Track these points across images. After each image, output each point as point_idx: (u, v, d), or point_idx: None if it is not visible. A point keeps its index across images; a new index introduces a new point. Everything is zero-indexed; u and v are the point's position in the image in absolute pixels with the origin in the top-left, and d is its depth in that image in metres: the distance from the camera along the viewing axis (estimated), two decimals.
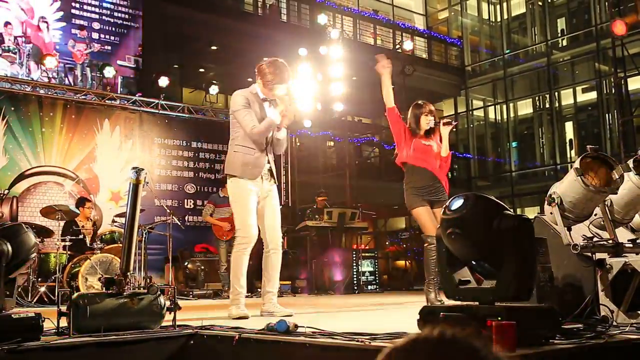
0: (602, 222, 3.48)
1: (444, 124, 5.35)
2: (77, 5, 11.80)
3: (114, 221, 8.13)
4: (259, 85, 4.54)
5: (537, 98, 19.20)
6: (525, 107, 19.71)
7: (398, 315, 4.54)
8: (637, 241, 3.51)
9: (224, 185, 9.39)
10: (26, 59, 10.89)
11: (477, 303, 2.60)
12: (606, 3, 14.27)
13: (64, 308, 3.14)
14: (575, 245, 3.20)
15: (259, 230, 4.50)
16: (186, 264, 9.46)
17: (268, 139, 4.50)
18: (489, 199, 2.67)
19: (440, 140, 5.40)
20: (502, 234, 2.50)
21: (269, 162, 4.52)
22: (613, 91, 15.92)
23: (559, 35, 18.84)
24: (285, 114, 4.45)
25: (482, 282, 2.73)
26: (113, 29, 12.19)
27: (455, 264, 2.74)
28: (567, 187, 3.29)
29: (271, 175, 4.54)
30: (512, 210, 2.81)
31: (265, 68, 4.51)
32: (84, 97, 10.16)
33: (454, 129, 5.28)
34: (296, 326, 2.95)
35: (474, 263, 2.69)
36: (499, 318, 2.27)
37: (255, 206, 4.44)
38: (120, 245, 7.45)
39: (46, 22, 11.20)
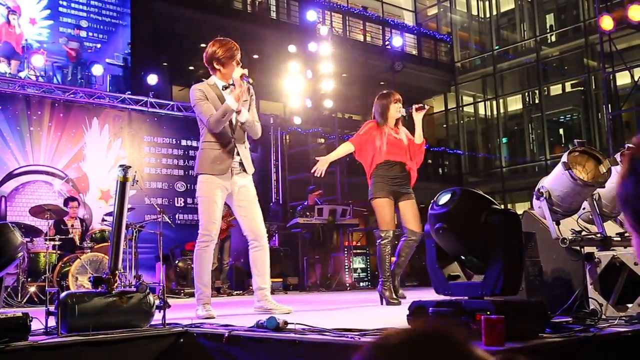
0: (590, 216, 3.50)
1: (417, 109, 5.25)
2: (65, 3, 11.72)
3: (103, 220, 8.10)
4: (216, 74, 4.38)
5: (526, 94, 19.27)
6: (515, 103, 19.77)
7: (389, 312, 4.54)
8: (625, 235, 3.52)
9: None
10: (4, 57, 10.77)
11: (466, 298, 2.61)
12: None
13: (52, 307, 3.12)
14: (564, 239, 3.21)
15: (240, 227, 4.44)
16: (177, 262, 9.43)
17: (233, 128, 4.34)
18: (475, 193, 2.67)
19: (411, 129, 5.33)
20: (489, 229, 2.50)
21: (238, 154, 4.36)
22: (600, 86, 16.01)
23: (548, 31, 18.91)
24: (239, 95, 4.20)
25: (471, 277, 2.74)
26: (101, 27, 12.12)
27: (444, 259, 2.74)
28: (555, 181, 3.30)
29: (243, 168, 4.38)
30: (501, 205, 2.82)
31: (210, 50, 4.34)
32: (72, 95, 10.10)
33: (431, 117, 5.22)
34: (286, 323, 2.94)
35: (463, 258, 2.70)
36: (488, 312, 2.27)
37: (221, 203, 4.31)
38: (110, 244, 7.44)
39: (16, 15, 10.98)
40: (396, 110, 5.25)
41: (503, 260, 2.48)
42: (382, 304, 5.09)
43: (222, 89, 4.35)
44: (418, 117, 5.27)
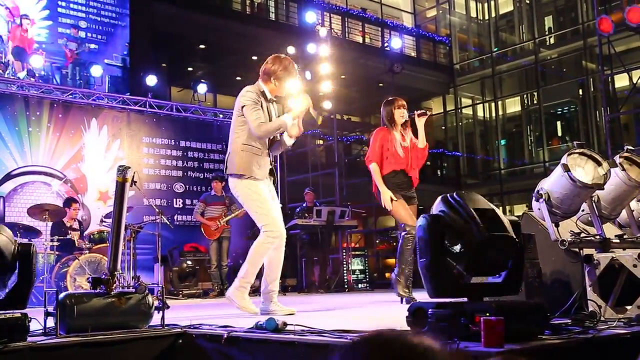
0: (589, 218, 3.50)
1: (419, 115, 5.47)
2: (64, 4, 11.72)
3: (102, 221, 8.09)
4: (268, 85, 4.50)
5: (525, 96, 19.28)
6: (513, 105, 19.78)
7: (387, 313, 4.54)
8: (624, 237, 3.53)
9: (215, 183, 9.40)
10: (11, 57, 10.83)
11: (465, 299, 2.61)
12: (592, 1, 14.35)
13: (51, 308, 3.12)
14: (563, 241, 3.22)
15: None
16: (175, 263, 9.42)
17: (273, 139, 4.50)
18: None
19: (415, 133, 5.51)
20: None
21: (271, 164, 4.52)
22: (599, 88, 16.03)
23: (547, 33, 18.93)
24: (298, 119, 4.41)
25: (470, 278, 2.74)
26: (100, 27, 12.13)
27: (441, 261, 2.73)
28: (555, 183, 3.30)
29: (271, 174, 4.52)
30: (499, 207, 2.82)
31: (270, 67, 4.50)
32: (71, 96, 10.09)
33: (430, 119, 5.42)
34: (285, 324, 2.94)
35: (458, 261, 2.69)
36: (487, 314, 2.27)
37: (269, 199, 4.39)
38: (109, 245, 7.43)
39: (28, 19, 11.09)
40: (400, 115, 5.46)
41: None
42: (397, 296, 5.29)
43: (269, 101, 4.49)
44: (420, 123, 5.48)
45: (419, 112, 5.49)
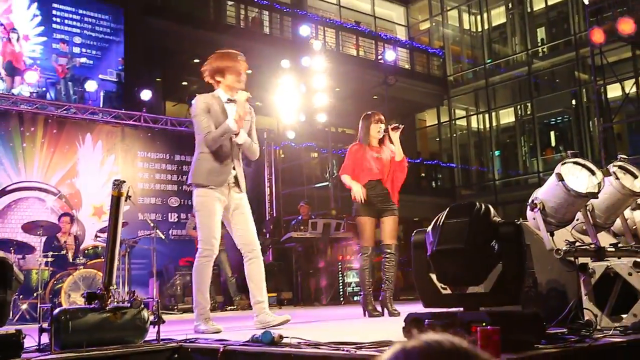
0: (584, 227, 3.50)
1: (392, 129, 5.53)
2: (58, 20, 11.76)
3: (97, 236, 8.06)
4: (223, 87, 4.40)
5: (518, 107, 19.37)
6: (507, 116, 19.87)
7: (383, 325, 4.53)
8: (619, 245, 3.53)
9: None
10: (4, 73, 10.83)
11: (461, 309, 2.60)
12: (584, 12, 14.47)
13: (45, 324, 3.10)
14: (558, 250, 3.22)
15: (234, 241, 4.44)
16: (171, 277, 9.39)
17: (231, 143, 4.34)
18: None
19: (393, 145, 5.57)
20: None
21: (234, 169, 4.36)
22: (592, 99, 16.13)
23: (539, 44, 19.05)
24: (241, 118, 4.26)
25: (466, 288, 2.74)
26: (95, 42, 12.16)
27: (433, 271, 2.74)
28: (549, 192, 3.31)
29: (237, 184, 4.36)
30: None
31: (209, 64, 4.39)
32: (65, 111, 10.09)
33: (402, 133, 5.50)
34: (281, 337, 2.93)
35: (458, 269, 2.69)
36: (484, 324, 2.27)
37: (220, 216, 4.29)
38: (104, 260, 7.40)
39: (17, 34, 11.10)
40: (377, 130, 5.52)
41: (504, 271, 2.49)
42: (364, 315, 5.39)
43: (226, 102, 4.37)
44: (395, 137, 5.54)
45: (392, 126, 5.55)
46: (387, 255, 5.39)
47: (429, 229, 2.74)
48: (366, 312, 5.37)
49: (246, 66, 4.47)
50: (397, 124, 5.59)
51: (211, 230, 4.25)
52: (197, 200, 4.31)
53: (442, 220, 2.67)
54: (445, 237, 2.61)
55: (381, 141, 5.55)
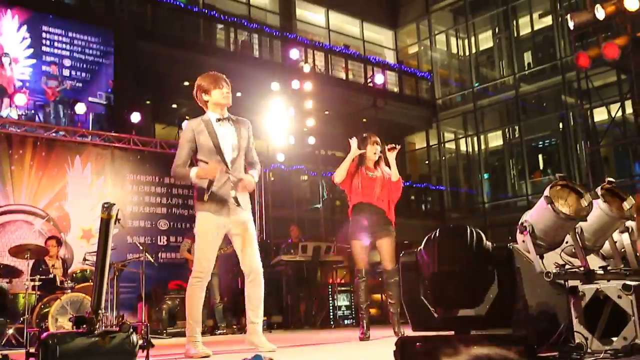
0: (573, 250, 3.52)
1: (389, 149, 5.59)
2: (48, 43, 11.77)
3: (85, 259, 7.98)
4: (210, 107, 4.42)
5: (506, 130, 19.53)
6: (495, 139, 20.01)
7: (375, 348, 4.51)
8: (608, 268, 3.55)
9: None
10: None
11: (452, 332, 2.60)
12: (570, 37, 14.69)
13: (33, 349, 3.06)
14: (548, 272, 3.23)
15: (239, 261, 4.44)
16: (160, 301, 9.30)
17: (228, 163, 4.33)
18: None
19: (388, 166, 5.63)
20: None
21: (234, 189, 4.33)
22: (576, 122, 16.31)
23: (526, 68, 19.27)
24: (204, 176, 4.26)
25: (457, 311, 2.74)
26: (84, 65, 12.17)
27: (424, 294, 2.74)
28: (538, 215, 3.33)
29: (238, 204, 4.35)
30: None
31: (195, 86, 4.46)
32: (54, 134, 10.05)
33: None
34: None
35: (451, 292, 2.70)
36: (475, 347, 2.26)
37: (217, 242, 4.32)
38: (92, 283, 7.32)
39: (8, 57, 11.12)
40: (373, 152, 5.60)
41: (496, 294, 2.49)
42: (361, 339, 5.39)
43: (216, 121, 4.38)
44: (391, 157, 5.59)
45: (389, 146, 5.60)
46: (389, 280, 5.42)
47: (421, 248, 2.74)
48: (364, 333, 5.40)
49: (227, 84, 4.47)
50: (393, 145, 5.64)
51: (205, 254, 4.28)
52: (197, 225, 4.35)
53: (435, 241, 2.67)
54: (443, 258, 2.62)
55: (376, 163, 5.63)
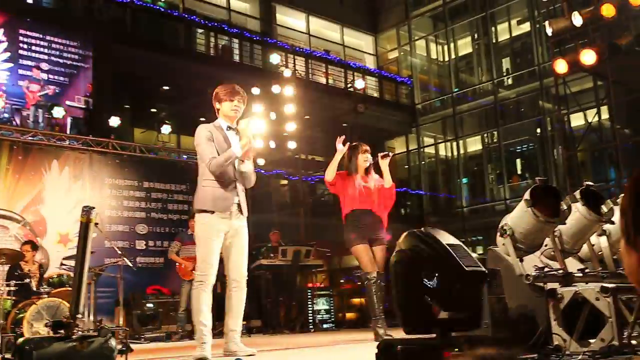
0: (552, 253, 3.55)
1: (382, 157, 5.66)
2: (25, 46, 11.63)
3: (62, 264, 7.88)
4: (221, 116, 4.51)
5: (485, 135, 19.69)
6: (474, 144, 20.16)
7: (355, 352, 4.50)
8: (586, 271, 3.59)
9: (191, 222, 9.26)
10: None
11: (434, 335, 2.61)
12: (547, 43, 14.86)
13: (8, 355, 3.01)
14: (528, 275, 3.26)
15: (224, 267, 4.42)
16: (138, 306, 9.22)
17: (235, 169, 4.41)
18: (419, 236, 2.71)
19: (380, 175, 5.66)
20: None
21: (238, 195, 4.40)
22: (555, 127, 16.50)
23: (504, 74, 19.46)
24: (247, 146, 4.36)
25: (438, 312, 2.74)
26: (62, 69, 12.03)
27: (414, 297, 2.74)
28: (518, 218, 3.36)
29: (240, 210, 4.40)
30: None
31: (218, 91, 4.53)
32: (31, 137, 9.93)
33: (393, 158, 5.62)
34: None
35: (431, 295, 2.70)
36: (456, 349, 2.27)
37: (219, 246, 4.32)
38: (69, 288, 7.22)
39: None
40: (364, 160, 5.66)
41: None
42: (376, 340, 5.25)
43: (227, 129, 4.45)
44: (384, 164, 5.65)
45: (381, 154, 5.67)
46: (374, 283, 5.45)
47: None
48: (378, 338, 5.29)
49: (241, 97, 4.54)
50: (386, 153, 5.71)
51: (207, 258, 4.28)
52: (198, 228, 4.35)
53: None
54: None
55: (367, 171, 5.65)
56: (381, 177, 5.72)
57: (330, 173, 5.54)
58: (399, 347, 2.54)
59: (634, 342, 3.09)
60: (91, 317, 7.06)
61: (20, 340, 3.05)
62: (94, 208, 3.38)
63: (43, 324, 6.49)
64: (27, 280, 7.46)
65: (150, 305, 9.23)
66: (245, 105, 4.56)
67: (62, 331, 3.19)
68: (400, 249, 2.69)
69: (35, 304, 6.82)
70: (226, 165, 4.30)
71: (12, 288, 7.13)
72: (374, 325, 5.42)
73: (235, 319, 4.37)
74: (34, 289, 7.41)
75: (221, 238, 4.33)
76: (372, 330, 5.46)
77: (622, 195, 1.06)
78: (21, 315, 6.88)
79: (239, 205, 4.41)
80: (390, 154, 5.71)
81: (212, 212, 4.29)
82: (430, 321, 2.64)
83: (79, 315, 3.30)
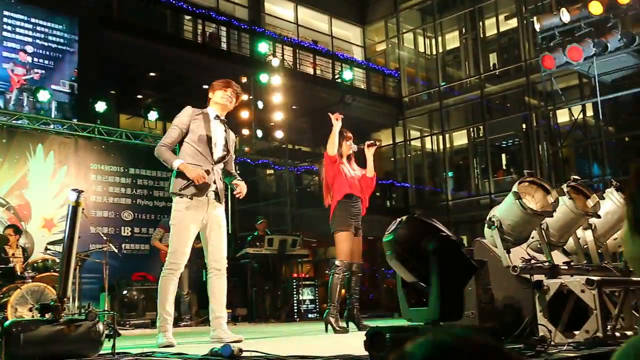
0: (538, 245, 3.60)
1: (369, 145, 5.66)
2: (9, 28, 11.48)
3: (47, 249, 7.83)
4: (212, 104, 4.54)
5: (471, 129, 19.78)
6: (460, 138, 20.25)
7: (340, 340, 4.53)
8: (572, 264, 3.64)
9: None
10: None
11: (422, 323, 2.64)
12: (534, 39, 14.94)
13: None
14: (515, 267, 3.30)
15: (203, 254, 4.43)
16: (123, 292, 9.19)
17: (213, 156, 4.39)
18: (420, 220, 2.73)
19: (362, 164, 5.67)
20: (428, 255, 2.56)
21: (215, 182, 4.38)
22: (541, 123, 16.64)
23: (491, 69, 19.54)
24: (186, 172, 4.25)
25: (426, 303, 2.77)
26: (47, 52, 11.89)
27: (407, 286, 2.78)
28: (506, 210, 3.40)
29: (217, 197, 4.39)
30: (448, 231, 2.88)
31: (214, 82, 4.59)
32: (15, 121, 9.83)
33: (379, 150, 5.61)
34: (241, 350, 2.91)
35: (420, 284, 2.73)
36: None
37: (193, 233, 4.30)
38: (54, 273, 7.19)
39: None
40: (348, 147, 5.62)
41: (439, 287, 2.53)
42: (326, 331, 5.26)
43: (214, 118, 4.47)
44: (370, 153, 5.66)
45: (368, 142, 5.68)
46: (359, 274, 5.52)
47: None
48: (332, 328, 5.28)
49: (234, 91, 4.56)
50: (373, 142, 5.70)
51: (181, 244, 4.26)
52: (174, 214, 4.32)
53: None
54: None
55: (348, 159, 5.62)
56: (363, 168, 5.70)
57: (333, 147, 5.44)
58: (387, 334, 2.56)
59: (617, 334, 3.15)
60: (76, 303, 7.03)
61: (8, 322, 3.03)
62: (82, 191, 3.36)
63: (27, 308, 6.47)
64: (11, 265, 7.41)
65: (135, 291, 9.20)
66: (237, 101, 4.58)
67: (49, 314, 3.18)
68: (401, 232, 2.68)
69: (19, 289, 6.78)
70: (162, 161, 4.33)
71: None
72: (328, 317, 5.32)
73: (219, 305, 4.35)
74: (18, 273, 7.36)
75: (197, 227, 4.31)
76: (325, 322, 5.36)
77: (625, 182, 1.08)
78: (5, 299, 6.84)
79: (215, 193, 4.38)
80: (377, 143, 5.73)
81: (190, 197, 4.26)
82: (417, 310, 2.66)
83: (67, 299, 3.29)
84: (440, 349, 0.79)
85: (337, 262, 5.37)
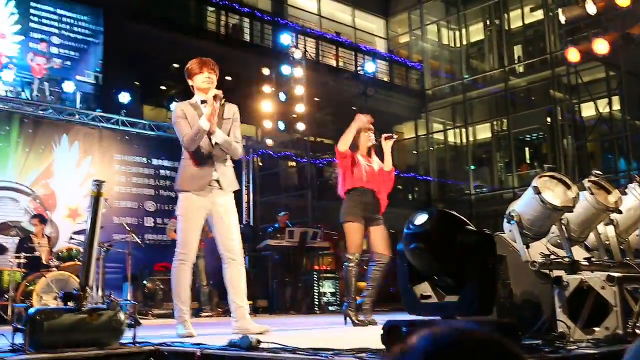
0: (559, 241, 3.57)
1: (386, 138, 5.51)
2: (36, 19, 11.64)
3: (72, 238, 7.96)
4: (196, 91, 4.45)
5: (495, 123, 19.61)
6: (483, 132, 20.09)
7: (361, 333, 4.55)
8: (592, 260, 3.61)
9: None
10: None
11: (439, 318, 2.64)
12: (560, 32, 14.74)
13: (20, 325, 3.06)
14: (534, 262, 3.27)
15: (215, 244, 4.42)
16: (145, 283, 9.30)
17: (212, 145, 4.35)
18: (452, 214, 2.73)
19: (381, 157, 5.56)
20: (465, 249, 2.55)
21: (216, 171, 4.35)
22: (566, 117, 16.43)
23: (516, 62, 19.33)
24: (211, 117, 4.24)
25: (444, 297, 2.77)
26: (73, 44, 12.04)
27: (417, 279, 2.77)
28: (526, 205, 3.37)
29: (220, 186, 4.35)
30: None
31: (187, 67, 4.47)
32: (42, 111, 9.98)
33: (402, 144, 5.49)
34: (259, 342, 2.94)
35: (437, 278, 2.73)
36: None
37: (200, 224, 4.31)
38: (78, 263, 7.31)
39: None
40: (367, 139, 5.47)
41: (479, 281, 2.52)
42: (345, 324, 5.22)
43: (201, 103, 4.38)
44: (387, 146, 5.51)
45: (386, 135, 5.53)
46: (381, 265, 5.30)
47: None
48: (347, 321, 5.23)
49: (212, 69, 4.42)
50: (390, 134, 5.57)
51: (188, 236, 4.29)
52: (179, 206, 4.38)
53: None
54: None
55: (369, 152, 5.52)
56: (382, 160, 5.59)
57: (345, 144, 5.33)
58: (404, 328, 2.57)
59: (638, 331, 3.12)
60: (100, 292, 7.14)
61: (33, 310, 3.10)
62: (104, 182, 3.41)
63: (52, 297, 6.59)
64: (36, 254, 7.55)
65: (157, 282, 9.31)
66: (217, 75, 4.44)
67: (72, 303, 3.23)
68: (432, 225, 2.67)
69: (45, 277, 6.91)
70: (197, 140, 4.24)
71: (23, 261, 7.22)
72: (347, 310, 5.24)
73: (239, 294, 4.27)
74: (44, 262, 7.49)
75: (202, 216, 4.31)
76: (344, 314, 5.30)
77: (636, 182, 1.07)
78: (31, 287, 6.98)
79: (218, 181, 4.36)
80: (395, 136, 5.58)
81: (190, 192, 4.30)
82: (435, 305, 2.67)
83: (89, 288, 3.34)
84: (443, 342, 0.79)
85: (348, 255, 5.29)
